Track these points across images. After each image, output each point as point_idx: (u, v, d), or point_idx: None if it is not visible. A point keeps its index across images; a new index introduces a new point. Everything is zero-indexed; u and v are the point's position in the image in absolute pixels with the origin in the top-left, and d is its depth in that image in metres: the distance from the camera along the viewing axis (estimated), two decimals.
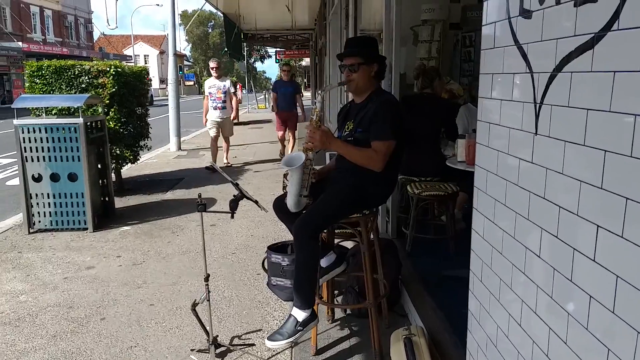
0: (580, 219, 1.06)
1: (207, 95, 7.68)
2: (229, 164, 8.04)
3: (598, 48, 1.01)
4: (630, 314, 0.91)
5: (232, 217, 2.35)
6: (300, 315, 2.29)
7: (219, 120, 7.72)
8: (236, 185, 2.41)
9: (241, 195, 2.38)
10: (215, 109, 7.67)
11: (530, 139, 1.30)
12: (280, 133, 8.48)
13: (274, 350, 2.60)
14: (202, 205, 2.29)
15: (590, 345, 1.03)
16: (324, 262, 2.56)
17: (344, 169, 2.47)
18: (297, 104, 8.46)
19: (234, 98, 7.94)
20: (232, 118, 8.02)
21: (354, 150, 2.36)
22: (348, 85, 2.49)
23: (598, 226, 1.00)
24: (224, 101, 7.67)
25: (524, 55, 1.34)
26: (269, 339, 2.29)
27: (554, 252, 1.19)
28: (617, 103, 0.95)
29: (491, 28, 1.58)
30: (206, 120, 7.83)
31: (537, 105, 1.26)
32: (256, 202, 2.44)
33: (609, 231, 0.96)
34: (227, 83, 7.71)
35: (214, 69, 7.61)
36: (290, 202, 2.38)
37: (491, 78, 1.59)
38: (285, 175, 2.41)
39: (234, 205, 2.32)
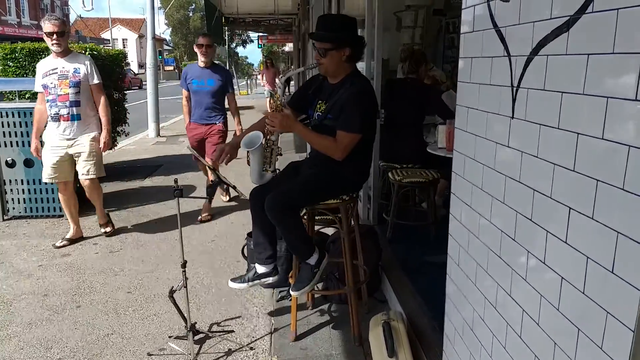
0: (554, 201, 1.07)
1: (42, 93, 3.72)
2: (109, 231, 4.13)
3: (573, 31, 1.00)
4: (599, 295, 0.92)
5: (210, 202, 2.31)
6: (311, 261, 2.35)
7: (67, 143, 3.70)
8: (213, 171, 2.38)
9: (219, 181, 2.35)
10: (56, 119, 3.65)
11: (507, 123, 1.29)
12: (199, 163, 4.35)
13: (253, 337, 2.60)
14: (179, 191, 2.25)
15: (562, 326, 1.05)
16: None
17: (317, 154, 2.46)
18: (231, 111, 4.49)
19: (102, 96, 3.78)
20: (102, 143, 3.75)
21: (314, 137, 2.35)
22: (318, 67, 2.43)
23: (570, 208, 1.00)
24: (76, 103, 3.66)
25: (502, 39, 1.33)
26: (294, 289, 2.34)
27: (528, 234, 1.19)
28: (590, 86, 0.95)
29: (470, 12, 1.57)
30: (37, 144, 3.77)
31: (514, 89, 1.26)
32: (234, 187, 2.41)
33: (581, 213, 0.97)
34: (84, 66, 3.69)
35: (53, 36, 3.56)
36: (253, 177, 2.45)
37: (470, 62, 1.58)
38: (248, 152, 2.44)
39: (211, 191, 2.30)
